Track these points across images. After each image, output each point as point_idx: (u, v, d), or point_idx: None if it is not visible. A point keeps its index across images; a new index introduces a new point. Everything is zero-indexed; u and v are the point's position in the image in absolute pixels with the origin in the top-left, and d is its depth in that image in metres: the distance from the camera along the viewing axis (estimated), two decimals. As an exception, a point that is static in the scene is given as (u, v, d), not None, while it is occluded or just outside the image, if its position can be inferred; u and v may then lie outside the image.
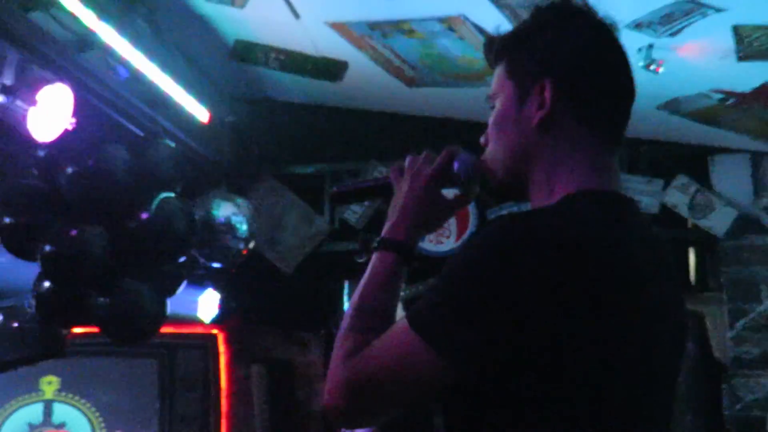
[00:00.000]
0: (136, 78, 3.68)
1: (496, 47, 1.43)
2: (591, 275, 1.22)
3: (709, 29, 3.39)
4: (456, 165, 1.46)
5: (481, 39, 3.62)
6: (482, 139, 1.45)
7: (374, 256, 1.42)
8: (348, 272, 5.07)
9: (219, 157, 4.63)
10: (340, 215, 5.06)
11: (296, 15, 3.64)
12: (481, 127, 1.47)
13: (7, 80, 3.12)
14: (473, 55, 3.79)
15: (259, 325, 5.68)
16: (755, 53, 3.53)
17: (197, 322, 5.14)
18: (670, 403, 1.36)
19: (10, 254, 3.66)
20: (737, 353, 4.69)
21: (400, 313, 1.41)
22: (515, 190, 1.41)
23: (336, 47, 3.94)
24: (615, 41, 1.39)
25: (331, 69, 4.18)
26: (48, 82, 3.17)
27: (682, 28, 3.40)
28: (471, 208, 4.80)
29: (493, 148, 1.41)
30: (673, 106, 4.16)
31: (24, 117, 3.14)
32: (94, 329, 3.77)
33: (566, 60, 1.36)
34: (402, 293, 1.44)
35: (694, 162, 4.84)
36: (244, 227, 4.33)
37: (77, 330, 4.38)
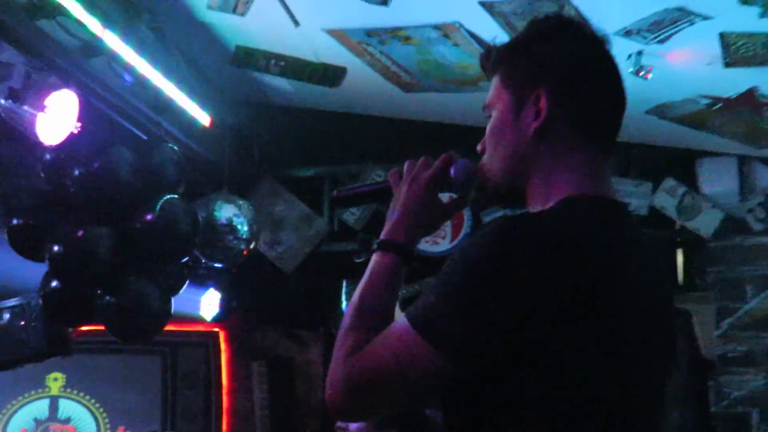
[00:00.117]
0: (140, 83, 3.68)
1: (493, 58, 1.44)
2: (588, 276, 1.23)
3: (696, 36, 3.40)
4: (453, 170, 1.47)
5: (476, 46, 3.63)
6: (479, 147, 1.46)
7: (374, 257, 1.42)
8: (347, 272, 5.07)
9: (221, 159, 4.63)
10: (339, 216, 5.07)
11: (296, 22, 3.65)
12: (475, 131, 1.47)
13: (15, 85, 3.12)
14: (468, 61, 3.80)
15: (259, 324, 5.68)
16: (741, 60, 3.54)
17: (199, 320, 5.14)
18: (661, 400, 1.36)
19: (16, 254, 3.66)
20: (724, 351, 4.70)
21: (397, 312, 1.41)
22: (513, 196, 1.41)
23: (334, 54, 3.95)
24: (607, 53, 1.40)
25: (329, 75, 4.18)
26: (54, 87, 3.17)
27: (671, 35, 3.41)
28: (466, 211, 4.80)
29: (490, 155, 1.42)
30: (661, 111, 4.16)
31: (31, 121, 3.14)
32: (99, 327, 3.76)
33: (561, 71, 1.37)
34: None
35: (682, 165, 4.85)
36: (245, 228, 4.33)
37: (82, 328, 4.38)
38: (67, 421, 5.68)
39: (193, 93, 4.10)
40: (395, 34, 3.69)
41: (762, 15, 3.19)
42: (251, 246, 4.39)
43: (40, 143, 3.20)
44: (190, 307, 4.86)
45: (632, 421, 1.30)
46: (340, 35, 3.76)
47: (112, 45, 3.42)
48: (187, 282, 4.02)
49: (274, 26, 3.73)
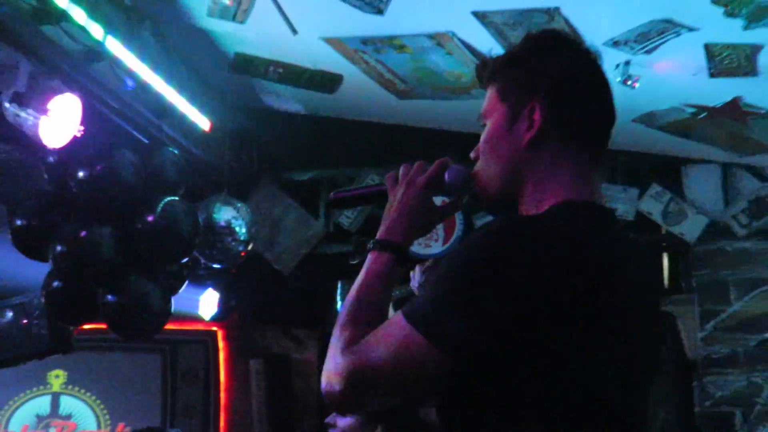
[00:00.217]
0: (142, 88, 3.68)
1: (489, 69, 1.46)
2: (585, 277, 1.25)
3: (682, 47, 3.41)
4: (448, 175, 1.48)
5: (468, 55, 3.64)
6: (472, 154, 1.48)
7: (370, 256, 1.43)
8: (342, 273, 5.07)
9: (220, 163, 4.63)
10: (334, 219, 5.07)
11: (294, 31, 3.65)
12: (468, 137, 1.48)
13: (20, 89, 3.12)
14: (460, 69, 3.80)
15: (257, 323, 5.68)
16: (725, 70, 3.55)
17: (198, 319, 5.13)
18: (648, 400, 1.37)
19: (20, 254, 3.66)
20: (708, 352, 4.71)
21: (391, 312, 1.42)
22: (506, 202, 1.42)
23: (331, 61, 3.95)
24: (599, 69, 1.43)
25: (326, 81, 4.18)
26: (58, 91, 3.18)
27: (657, 46, 3.41)
28: (457, 215, 4.79)
29: (486, 164, 1.44)
30: (648, 119, 4.17)
31: (35, 124, 3.14)
32: (100, 326, 3.76)
33: (556, 85, 1.39)
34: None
35: (667, 172, 4.86)
36: (244, 230, 4.33)
37: (83, 326, 4.37)
38: (69, 417, 5.67)
39: (193, 98, 4.10)
40: (390, 42, 3.69)
41: (746, 27, 3.20)
42: (249, 247, 4.39)
43: (44, 146, 3.20)
44: (189, 306, 4.86)
45: (625, 420, 1.31)
46: (336, 43, 3.76)
47: (115, 51, 3.42)
48: (187, 282, 4.02)
49: (273, 34, 3.73)
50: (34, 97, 3.12)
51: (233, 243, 4.28)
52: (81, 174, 3.39)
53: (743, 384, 4.64)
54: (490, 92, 1.45)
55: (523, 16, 3.26)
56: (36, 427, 5.65)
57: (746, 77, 3.59)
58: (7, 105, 3.15)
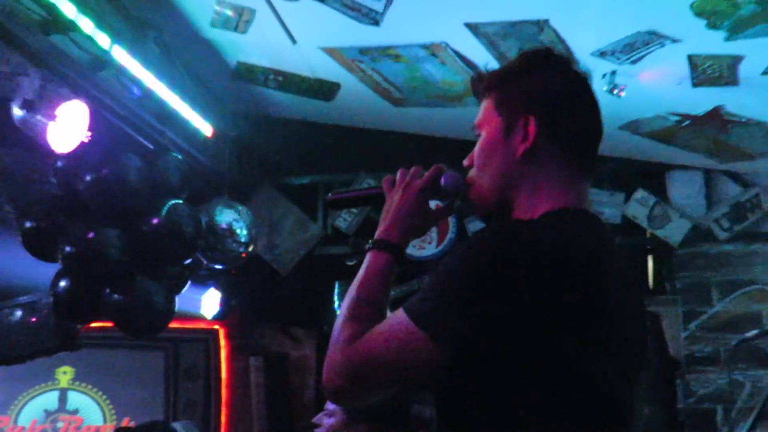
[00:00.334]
0: (147, 95, 3.68)
1: (485, 83, 1.48)
2: (576, 278, 1.25)
3: (666, 58, 3.41)
4: (443, 180, 1.49)
5: (461, 64, 3.64)
6: (465, 161, 1.49)
7: (369, 255, 1.44)
8: (339, 274, 5.08)
9: (221, 168, 4.63)
10: (332, 222, 5.07)
11: (293, 40, 3.65)
12: (460, 144, 1.49)
13: (29, 96, 3.12)
14: (453, 78, 3.81)
15: (257, 322, 5.67)
16: (708, 80, 3.56)
17: (200, 318, 5.13)
18: (633, 397, 1.38)
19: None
20: (691, 351, 4.72)
21: (387, 313, 1.42)
22: (500, 209, 1.44)
23: (329, 70, 3.95)
24: (589, 87, 1.46)
25: (324, 89, 4.18)
26: (66, 98, 3.18)
27: (642, 56, 3.42)
28: (451, 218, 4.81)
29: (481, 172, 1.45)
30: (633, 126, 4.18)
31: (44, 130, 3.14)
32: (106, 324, 3.75)
33: (549, 101, 1.41)
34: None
35: (652, 177, 4.87)
36: (244, 232, 4.32)
37: (90, 324, 4.36)
38: (76, 412, 5.66)
39: (196, 105, 4.10)
40: (386, 52, 3.70)
41: (727, 38, 3.21)
42: (249, 249, 4.39)
43: (53, 151, 3.20)
44: (192, 305, 4.86)
45: (618, 415, 1.32)
46: (334, 53, 3.77)
47: (121, 59, 3.42)
48: (189, 282, 4.01)
49: (273, 44, 3.74)
50: (43, 103, 3.12)
51: (234, 245, 4.28)
52: (88, 178, 3.39)
53: (725, 382, 4.65)
54: (485, 104, 1.47)
55: (513, 27, 3.27)
56: (44, 422, 5.64)
57: (728, 87, 3.60)
58: (17, 111, 3.15)
